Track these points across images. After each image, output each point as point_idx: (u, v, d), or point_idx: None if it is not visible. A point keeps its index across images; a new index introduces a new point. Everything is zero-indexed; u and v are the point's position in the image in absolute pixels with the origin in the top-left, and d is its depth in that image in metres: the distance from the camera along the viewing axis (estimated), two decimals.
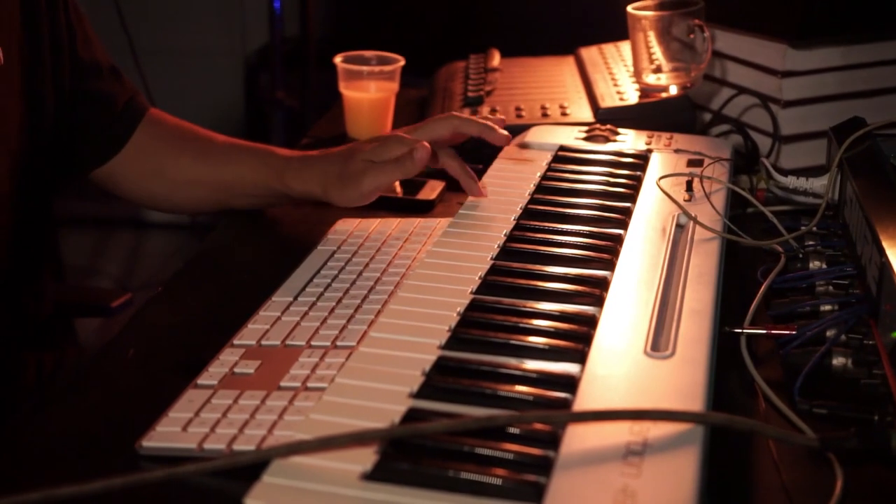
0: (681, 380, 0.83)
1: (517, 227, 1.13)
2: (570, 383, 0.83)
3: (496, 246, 1.08)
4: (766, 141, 1.49)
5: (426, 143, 1.19)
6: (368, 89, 1.68)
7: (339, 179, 1.23)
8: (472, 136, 1.27)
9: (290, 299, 1.09)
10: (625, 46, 1.73)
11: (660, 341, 0.89)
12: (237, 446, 0.85)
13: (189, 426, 0.88)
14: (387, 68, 1.67)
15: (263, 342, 1.01)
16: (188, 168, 1.37)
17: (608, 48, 1.83)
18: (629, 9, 1.58)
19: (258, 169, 1.32)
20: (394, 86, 1.68)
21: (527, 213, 1.17)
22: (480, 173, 1.26)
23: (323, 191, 1.25)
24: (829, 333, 1.01)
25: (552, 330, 0.91)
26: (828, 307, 1.06)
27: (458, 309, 0.94)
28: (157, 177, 1.39)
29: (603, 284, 1.00)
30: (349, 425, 0.77)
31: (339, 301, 1.09)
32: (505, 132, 1.25)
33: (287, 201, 1.36)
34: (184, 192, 1.39)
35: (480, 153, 1.37)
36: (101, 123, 1.35)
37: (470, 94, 1.67)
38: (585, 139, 1.41)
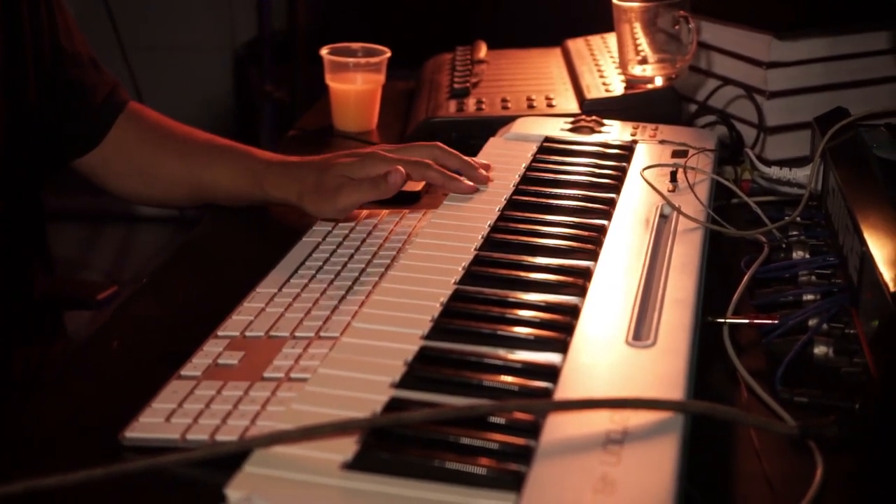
0: (662, 369, 0.84)
1: (502, 217, 1.13)
2: (552, 373, 0.84)
3: (480, 237, 1.08)
4: (751, 132, 1.50)
5: (402, 169, 1.19)
6: (355, 81, 1.68)
7: (315, 190, 1.23)
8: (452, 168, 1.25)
9: (275, 290, 1.10)
10: (611, 38, 1.73)
11: (642, 331, 0.89)
12: (220, 437, 0.85)
13: (172, 417, 0.88)
14: (373, 60, 1.67)
15: (247, 333, 1.01)
16: (167, 168, 1.37)
17: (594, 40, 1.83)
18: (615, 0, 1.58)
19: (237, 174, 1.32)
20: (380, 78, 1.68)
21: (511, 204, 1.17)
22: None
23: (299, 200, 1.25)
24: (811, 323, 1.01)
25: (535, 320, 0.92)
26: (810, 297, 1.07)
27: (442, 299, 0.95)
28: (137, 174, 1.39)
29: (586, 274, 1.00)
30: (331, 415, 0.77)
31: (324, 292, 1.09)
32: (485, 173, 1.23)
33: (268, 204, 1.35)
34: (164, 190, 1.40)
35: (466, 146, 1.37)
36: (80, 114, 1.35)
37: (456, 86, 1.68)
38: (571, 130, 1.41)
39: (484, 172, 1.23)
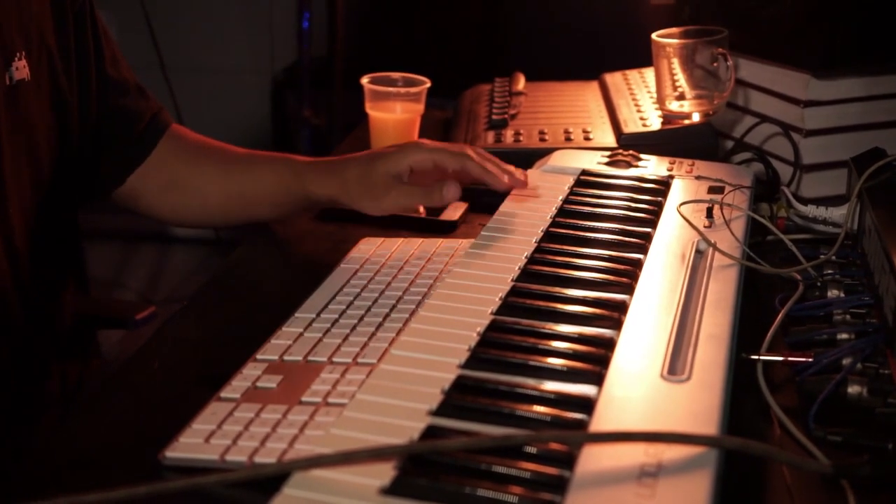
0: (696, 404, 0.84)
1: (538, 249, 1.14)
2: (587, 405, 0.84)
3: (517, 268, 1.09)
4: (787, 169, 1.50)
5: (459, 186, 1.22)
6: (394, 110, 1.69)
7: (359, 185, 1.26)
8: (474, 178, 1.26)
9: (313, 316, 1.11)
10: (649, 73, 1.74)
11: (676, 365, 0.90)
12: (258, 459, 0.86)
13: (212, 438, 0.89)
14: (413, 90, 1.69)
15: (286, 357, 1.03)
16: (208, 178, 1.39)
17: (632, 74, 1.84)
18: (654, 36, 1.59)
19: (278, 172, 1.35)
20: (419, 107, 1.69)
21: (548, 237, 1.18)
22: (501, 199, 1.27)
23: (341, 193, 1.28)
24: (845, 362, 1.02)
25: (570, 352, 0.93)
26: (845, 336, 1.07)
27: (479, 329, 0.96)
28: (176, 189, 1.40)
29: (622, 308, 1.01)
30: (369, 440, 0.78)
31: (361, 318, 1.10)
32: (505, 179, 1.24)
33: (308, 207, 1.37)
34: (203, 202, 1.41)
35: None
36: (124, 140, 1.37)
37: (494, 117, 1.69)
38: (608, 164, 1.42)
39: (520, 177, 1.25)
